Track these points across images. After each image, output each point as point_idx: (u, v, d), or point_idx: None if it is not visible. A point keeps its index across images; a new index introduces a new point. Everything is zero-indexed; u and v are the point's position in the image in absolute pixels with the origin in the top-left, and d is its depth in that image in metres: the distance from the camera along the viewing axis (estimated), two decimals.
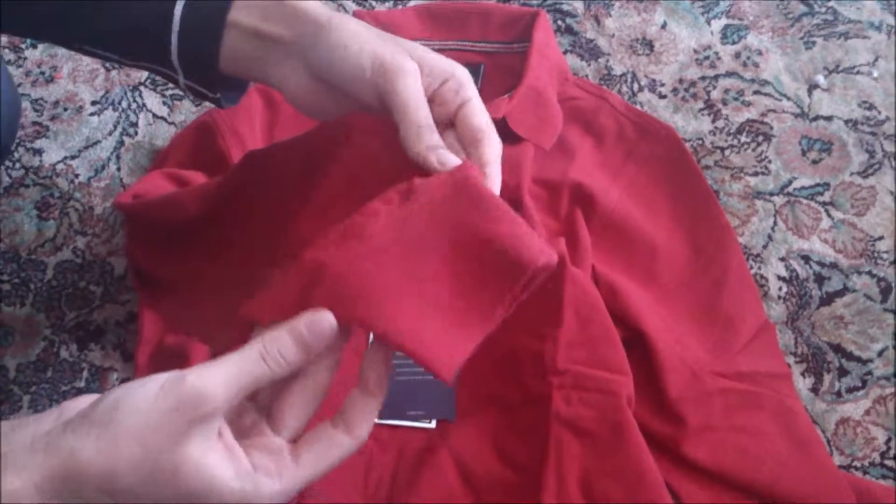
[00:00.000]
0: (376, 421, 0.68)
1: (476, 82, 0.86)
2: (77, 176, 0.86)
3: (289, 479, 0.42)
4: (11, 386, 0.76)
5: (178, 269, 0.71)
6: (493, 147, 0.50)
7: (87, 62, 0.93)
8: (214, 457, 0.40)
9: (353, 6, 0.96)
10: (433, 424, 0.69)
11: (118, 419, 0.39)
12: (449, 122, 0.51)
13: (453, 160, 0.47)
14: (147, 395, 0.40)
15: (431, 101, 0.50)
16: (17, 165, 0.86)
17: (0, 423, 0.41)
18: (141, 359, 0.73)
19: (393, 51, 0.50)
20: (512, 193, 0.77)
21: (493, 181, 0.49)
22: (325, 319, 0.42)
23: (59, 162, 0.87)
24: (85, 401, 0.42)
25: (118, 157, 0.87)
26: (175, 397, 0.39)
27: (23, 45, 0.94)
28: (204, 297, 0.66)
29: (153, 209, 0.72)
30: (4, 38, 0.94)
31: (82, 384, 0.76)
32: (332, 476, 0.64)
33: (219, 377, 0.40)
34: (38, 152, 0.87)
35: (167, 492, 0.39)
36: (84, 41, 0.58)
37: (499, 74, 0.87)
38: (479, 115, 0.51)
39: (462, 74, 0.51)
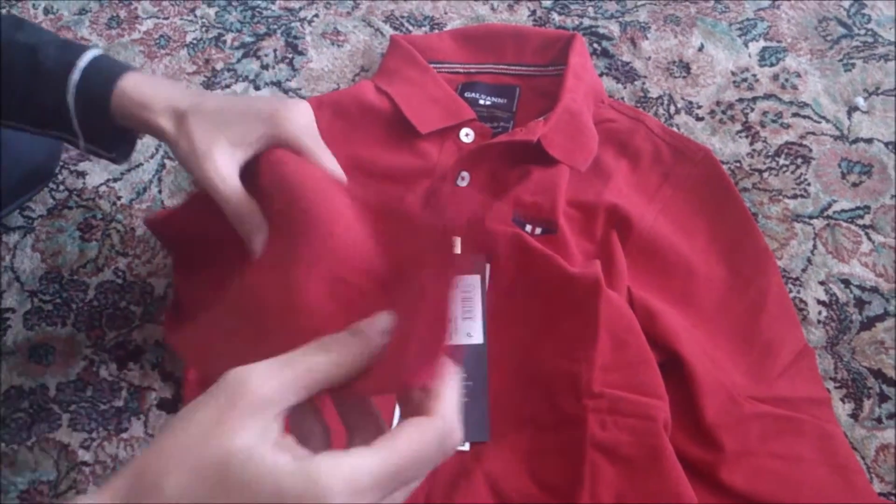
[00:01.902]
0: None
1: (511, 105, 0.87)
2: (119, 198, 0.87)
3: (360, 462, 0.36)
4: (51, 405, 0.77)
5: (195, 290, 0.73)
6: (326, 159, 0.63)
7: None
8: (267, 446, 0.36)
9: (389, 30, 0.98)
10: (467, 447, 0.69)
11: (164, 431, 0.37)
12: None
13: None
14: (195, 403, 0.37)
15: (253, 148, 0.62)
16: (62, 188, 0.88)
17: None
18: (191, 376, 0.74)
19: (206, 158, 0.61)
20: (547, 215, 0.77)
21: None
22: (383, 318, 0.41)
23: (101, 184, 0.88)
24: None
25: (159, 180, 0.88)
26: (219, 389, 0.37)
27: None
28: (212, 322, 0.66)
29: (176, 219, 0.74)
30: None
31: (121, 403, 0.77)
32: None
33: (268, 369, 0.38)
34: (82, 175, 0.89)
35: (218, 490, 0.35)
36: None
37: (534, 97, 0.87)
38: (309, 150, 0.63)
39: (288, 133, 0.62)
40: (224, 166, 0.60)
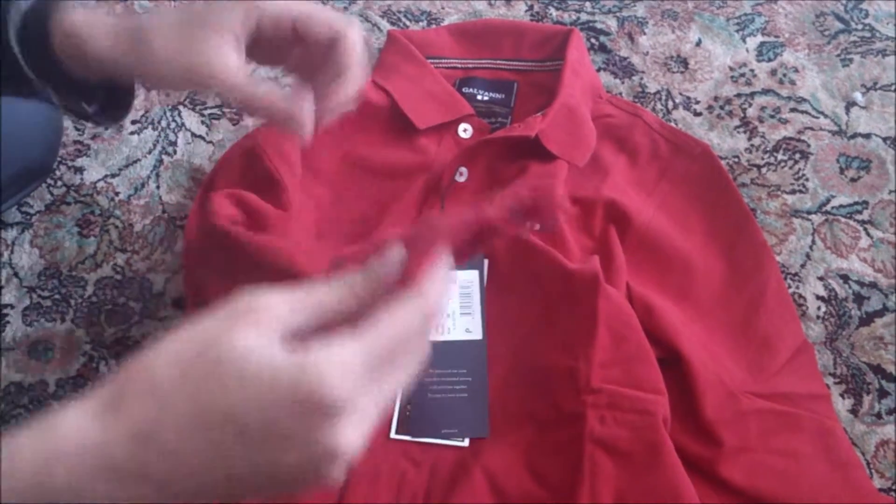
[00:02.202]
0: (409, 439, 0.69)
1: (509, 100, 0.87)
2: (117, 194, 0.87)
3: (349, 348, 0.37)
4: (51, 401, 0.77)
5: None
6: (348, 46, 0.54)
7: None
8: (265, 349, 0.36)
9: (387, 26, 0.97)
10: (466, 443, 0.69)
11: (152, 355, 0.37)
12: (293, 41, 0.55)
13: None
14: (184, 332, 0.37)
15: (258, 43, 0.54)
16: (59, 183, 0.88)
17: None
18: None
19: (197, 51, 0.52)
20: None
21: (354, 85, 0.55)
22: (394, 250, 0.42)
23: (99, 180, 0.88)
24: None
25: (157, 176, 0.88)
26: (229, 304, 0.38)
27: None
28: None
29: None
30: None
31: None
32: (365, 494, 0.65)
33: (280, 293, 0.38)
34: (80, 170, 0.89)
35: (212, 384, 0.35)
36: None
37: (532, 92, 0.87)
38: (319, 23, 0.54)
39: (272, 5, 0.54)
40: (225, 53, 0.52)
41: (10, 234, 0.85)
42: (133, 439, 0.35)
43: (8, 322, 0.80)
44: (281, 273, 0.69)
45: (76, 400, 0.37)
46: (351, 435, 0.37)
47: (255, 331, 0.36)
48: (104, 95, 0.61)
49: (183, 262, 0.81)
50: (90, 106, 0.60)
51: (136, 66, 0.54)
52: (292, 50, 0.56)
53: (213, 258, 0.74)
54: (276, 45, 0.55)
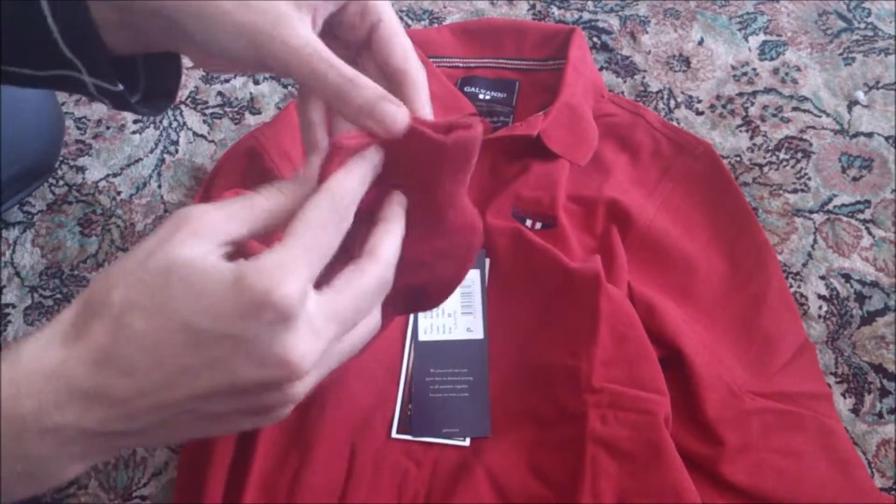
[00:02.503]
0: (410, 438, 0.69)
1: (511, 99, 0.87)
2: (119, 193, 0.87)
3: (300, 246, 0.37)
4: None
5: None
6: (420, 87, 0.45)
7: None
8: (203, 249, 0.36)
9: None
10: (467, 442, 0.69)
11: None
12: (362, 46, 0.46)
13: (402, 114, 0.41)
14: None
15: (333, 31, 0.45)
16: (61, 182, 0.88)
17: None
18: None
19: (265, 15, 0.41)
20: (547, 210, 0.77)
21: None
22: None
23: (101, 179, 0.88)
24: None
25: (159, 175, 0.88)
26: (165, 222, 0.37)
27: None
28: None
29: None
30: None
31: None
32: (366, 493, 0.65)
33: (214, 204, 0.38)
34: (81, 170, 0.89)
35: (162, 296, 0.36)
36: None
37: (534, 91, 0.87)
38: (394, 48, 0.45)
39: None
40: (302, 28, 0.42)
41: (12, 233, 0.85)
42: (94, 362, 0.36)
43: (10, 321, 0.81)
44: None
45: (36, 330, 0.37)
46: (302, 345, 0.37)
47: (194, 240, 0.36)
48: (146, 82, 0.53)
49: None
50: (132, 94, 0.51)
51: (178, 16, 0.43)
52: (354, 58, 0.47)
53: None
54: (342, 43, 0.46)
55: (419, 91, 0.45)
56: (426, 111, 0.45)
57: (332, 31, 0.45)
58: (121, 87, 0.49)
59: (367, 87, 0.41)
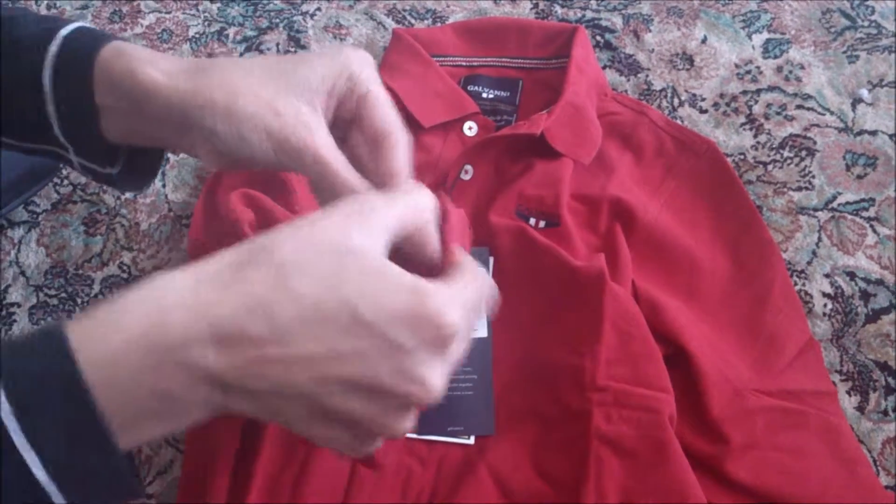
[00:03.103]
0: (414, 436, 0.69)
1: (514, 98, 0.87)
2: (123, 192, 0.87)
3: (457, 286, 0.41)
4: None
5: None
6: (397, 152, 0.48)
7: None
8: (377, 245, 0.39)
9: (392, 24, 0.97)
10: (472, 441, 0.69)
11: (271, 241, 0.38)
12: (352, 122, 0.49)
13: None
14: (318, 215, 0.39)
15: (331, 102, 0.48)
16: (66, 182, 0.88)
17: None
18: None
19: (292, 123, 0.45)
20: (550, 209, 0.77)
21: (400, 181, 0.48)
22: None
23: None
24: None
25: (163, 174, 0.88)
26: (346, 203, 0.39)
27: None
28: None
29: None
30: None
31: None
32: (371, 492, 0.65)
33: (383, 199, 0.41)
34: None
35: (332, 273, 0.37)
36: None
37: (537, 90, 0.87)
38: (378, 112, 0.48)
39: (356, 65, 0.48)
40: (317, 128, 0.46)
41: (17, 232, 0.86)
42: (247, 309, 0.36)
43: (15, 321, 0.81)
44: None
45: (182, 269, 0.37)
46: (442, 375, 0.39)
47: (368, 231, 0.38)
48: (127, 158, 0.53)
49: (189, 259, 0.81)
50: (113, 168, 0.52)
51: (202, 110, 0.46)
52: (346, 128, 0.50)
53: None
54: (337, 115, 0.50)
55: (399, 152, 0.48)
56: (405, 171, 0.48)
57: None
58: (110, 170, 0.52)
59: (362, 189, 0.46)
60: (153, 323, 0.35)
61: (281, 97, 0.45)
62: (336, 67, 0.47)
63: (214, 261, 0.37)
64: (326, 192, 0.46)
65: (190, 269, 0.37)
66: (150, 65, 0.47)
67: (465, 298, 0.41)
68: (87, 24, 0.51)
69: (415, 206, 0.43)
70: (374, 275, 0.37)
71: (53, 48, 0.48)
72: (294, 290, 0.36)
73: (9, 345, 0.34)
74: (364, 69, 0.48)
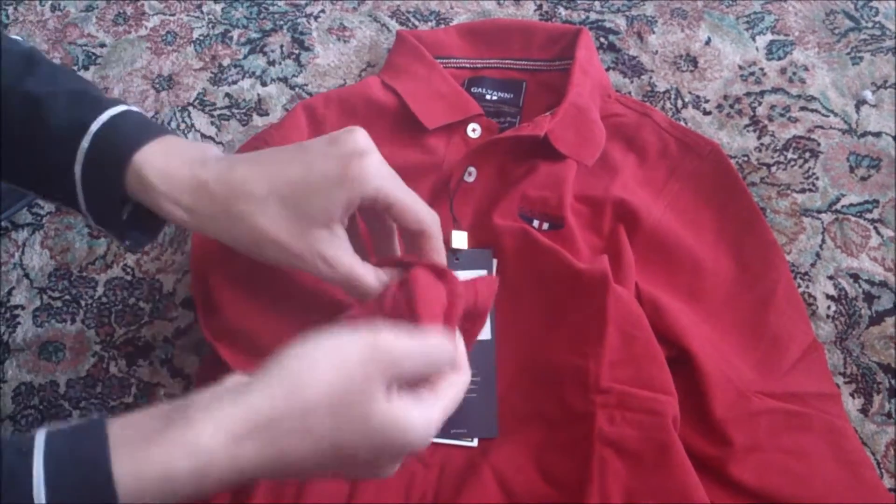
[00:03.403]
0: None
1: (518, 100, 0.87)
2: None
3: (439, 407, 0.50)
4: (62, 401, 0.77)
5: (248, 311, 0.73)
6: (436, 240, 0.60)
7: (138, 83, 0.95)
8: (401, 405, 0.46)
9: (396, 25, 0.97)
10: (475, 443, 0.69)
11: (311, 364, 0.45)
12: (377, 219, 0.62)
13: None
14: (338, 345, 0.46)
15: (349, 212, 0.56)
16: None
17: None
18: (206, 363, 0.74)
19: (307, 244, 0.55)
20: (554, 210, 0.77)
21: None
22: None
23: None
24: (237, 377, 0.47)
25: None
26: (370, 351, 0.46)
27: (75, 67, 0.97)
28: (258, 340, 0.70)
29: None
30: (57, 58, 0.97)
31: (131, 400, 0.77)
32: (374, 493, 0.65)
33: (412, 348, 0.47)
34: None
35: (357, 433, 0.45)
36: None
37: (541, 92, 0.87)
38: (410, 217, 0.58)
39: (370, 189, 0.56)
40: (337, 245, 0.56)
41: (21, 235, 0.86)
42: (272, 462, 0.44)
43: (19, 323, 0.81)
44: (290, 286, 0.70)
45: (212, 411, 0.43)
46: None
47: (384, 388, 0.46)
48: (135, 225, 0.60)
49: (191, 264, 0.81)
50: (127, 240, 0.60)
51: (223, 235, 0.56)
52: (378, 229, 0.61)
53: (227, 263, 0.74)
54: (366, 220, 0.61)
55: (435, 243, 0.59)
56: (441, 256, 0.60)
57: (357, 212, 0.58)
58: (127, 242, 0.60)
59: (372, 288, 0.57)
60: (198, 477, 0.41)
61: (301, 237, 0.54)
62: (353, 192, 0.54)
63: (245, 411, 0.43)
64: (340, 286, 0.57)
65: (221, 416, 0.42)
66: (173, 202, 0.54)
67: (444, 407, 0.51)
68: (117, 111, 0.56)
69: (428, 358, 0.50)
70: (375, 430, 0.46)
71: (83, 147, 0.54)
72: (314, 445, 0.45)
73: (54, 464, 0.39)
74: (380, 185, 0.56)
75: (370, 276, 0.57)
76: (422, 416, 0.47)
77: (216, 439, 0.41)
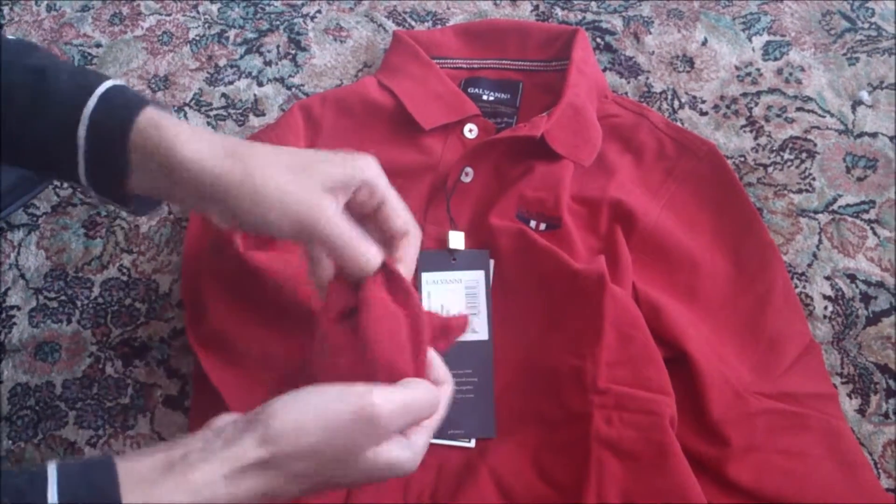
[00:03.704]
0: None
1: (515, 100, 0.87)
2: None
3: (430, 429, 0.54)
4: (58, 402, 0.77)
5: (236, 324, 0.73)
6: (414, 245, 0.60)
7: (134, 83, 0.95)
8: (387, 449, 0.50)
9: (392, 26, 0.97)
10: (472, 443, 0.69)
11: (299, 418, 0.48)
12: (367, 217, 0.59)
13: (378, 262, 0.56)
14: (328, 404, 0.49)
15: (348, 206, 0.56)
16: (65, 185, 0.88)
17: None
18: (198, 372, 0.74)
19: (308, 204, 0.54)
20: (551, 211, 0.77)
21: (408, 271, 0.58)
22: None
23: None
24: (229, 419, 0.50)
25: None
26: (356, 419, 0.48)
27: None
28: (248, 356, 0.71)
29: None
30: None
31: (127, 400, 0.77)
32: (372, 494, 0.65)
33: (397, 411, 0.50)
34: None
35: (344, 473, 0.50)
36: None
37: (537, 92, 0.87)
38: (398, 219, 0.59)
39: (372, 175, 0.57)
40: (336, 211, 0.55)
41: (17, 235, 0.85)
42: (269, 495, 0.48)
43: (14, 323, 0.81)
44: (278, 292, 0.71)
45: (212, 454, 0.46)
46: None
47: (376, 443, 0.50)
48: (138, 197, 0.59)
49: (182, 268, 0.80)
50: (128, 206, 0.59)
51: (231, 188, 0.53)
52: (365, 224, 0.59)
53: (217, 269, 0.74)
54: (355, 214, 0.58)
55: (414, 249, 0.60)
56: (413, 264, 0.59)
57: (346, 206, 0.57)
58: (125, 208, 0.59)
59: (368, 253, 0.56)
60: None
61: (304, 188, 0.53)
62: (356, 171, 0.56)
63: (239, 452, 0.46)
64: (339, 257, 0.55)
65: (221, 460, 0.46)
66: (186, 143, 0.53)
67: (430, 431, 0.55)
68: (119, 83, 0.56)
69: (416, 410, 0.53)
70: (372, 470, 0.50)
71: (90, 105, 0.53)
72: (303, 485, 0.49)
73: (69, 490, 0.43)
74: (380, 178, 0.57)
75: (372, 247, 0.56)
76: (409, 450, 0.52)
77: (213, 480, 0.45)
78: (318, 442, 0.48)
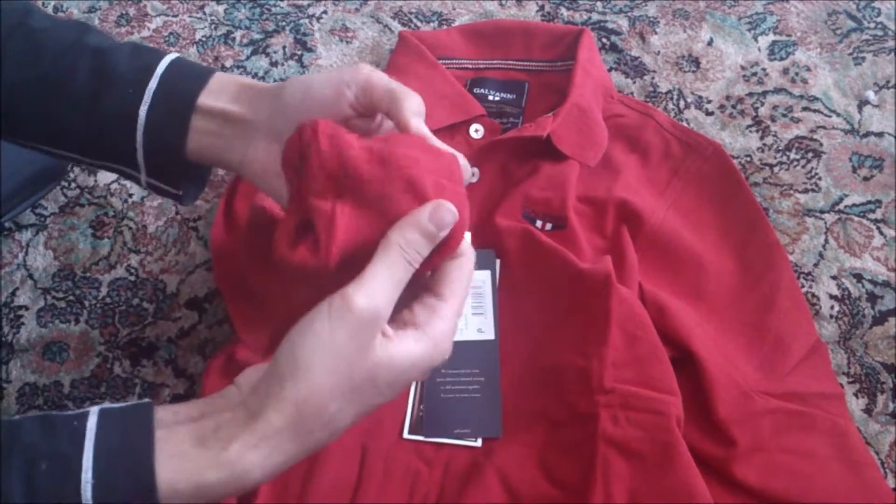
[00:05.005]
0: (421, 439, 0.69)
1: (520, 100, 0.87)
2: (131, 195, 0.88)
3: (448, 315, 0.49)
4: (66, 401, 0.77)
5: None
6: (410, 101, 0.55)
7: None
8: (393, 345, 0.46)
9: (398, 26, 0.98)
10: (479, 443, 0.69)
11: (303, 366, 0.45)
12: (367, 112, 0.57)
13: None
14: (320, 332, 0.45)
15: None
16: (73, 185, 0.89)
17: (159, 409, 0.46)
18: (213, 366, 0.74)
19: (349, 67, 0.56)
20: (557, 211, 0.77)
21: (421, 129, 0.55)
22: (447, 209, 0.48)
23: (113, 182, 0.89)
24: (252, 373, 0.49)
25: None
26: (350, 324, 0.45)
27: None
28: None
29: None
30: None
31: (135, 400, 0.77)
32: (377, 493, 0.65)
33: (381, 293, 0.46)
34: (94, 172, 0.89)
35: (372, 394, 0.46)
36: (44, 142, 0.58)
37: (543, 93, 0.87)
38: (384, 82, 0.55)
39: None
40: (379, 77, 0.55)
41: (25, 235, 0.86)
42: (304, 451, 0.46)
43: (23, 323, 0.81)
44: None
45: (240, 428, 0.45)
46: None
47: (378, 337, 0.46)
48: (188, 177, 0.60)
49: (213, 261, 0.80)
50: (179, 189, 0.60)
51: (286, 87, 0.55)
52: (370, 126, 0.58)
53: (255, 243, 0.74)
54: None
55: (413, 108, 0.54)
56: (416, 120, 0.55)
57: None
58: (177, 191, 0.60)
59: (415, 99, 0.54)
60: (237, 488, 0.45)
61: (343, 81, 0.54)
62: (355, 74, 0.54)
63: (265, 423, 0.45)
64: (384, 104, 0.54)
65: (248, 430, 0.45)
66: (241, 104, 0.55)
67: (457, 305, 0.50)
68: (178, 55, 0.57)
69: (394, 272, 0.48)
70: (400, 374, 0.47)
71: (152, 84, 0.55)
72: (334, 425, 0.47)
73: (102, 475, 0.42)
74: (372, 70, 0.55)
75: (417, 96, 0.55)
76: (424, 340, 0.48)
77: (252, 459, 0.44)
78: (332, 379, 0.45)
